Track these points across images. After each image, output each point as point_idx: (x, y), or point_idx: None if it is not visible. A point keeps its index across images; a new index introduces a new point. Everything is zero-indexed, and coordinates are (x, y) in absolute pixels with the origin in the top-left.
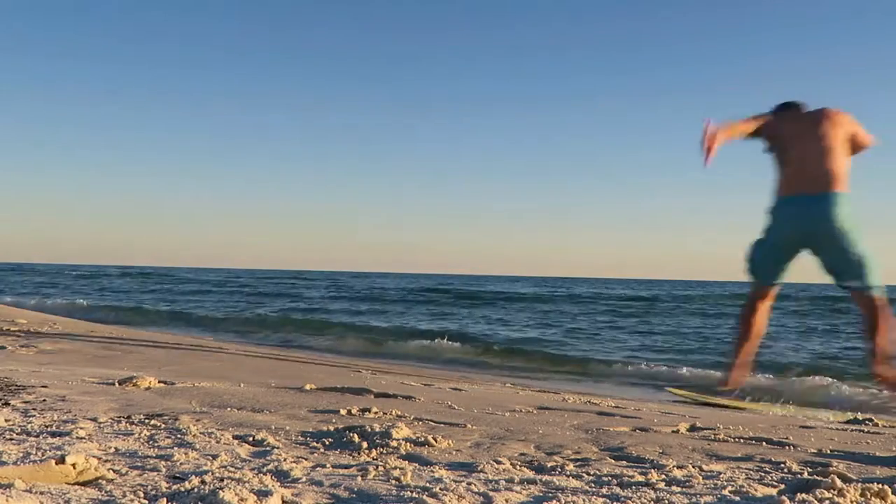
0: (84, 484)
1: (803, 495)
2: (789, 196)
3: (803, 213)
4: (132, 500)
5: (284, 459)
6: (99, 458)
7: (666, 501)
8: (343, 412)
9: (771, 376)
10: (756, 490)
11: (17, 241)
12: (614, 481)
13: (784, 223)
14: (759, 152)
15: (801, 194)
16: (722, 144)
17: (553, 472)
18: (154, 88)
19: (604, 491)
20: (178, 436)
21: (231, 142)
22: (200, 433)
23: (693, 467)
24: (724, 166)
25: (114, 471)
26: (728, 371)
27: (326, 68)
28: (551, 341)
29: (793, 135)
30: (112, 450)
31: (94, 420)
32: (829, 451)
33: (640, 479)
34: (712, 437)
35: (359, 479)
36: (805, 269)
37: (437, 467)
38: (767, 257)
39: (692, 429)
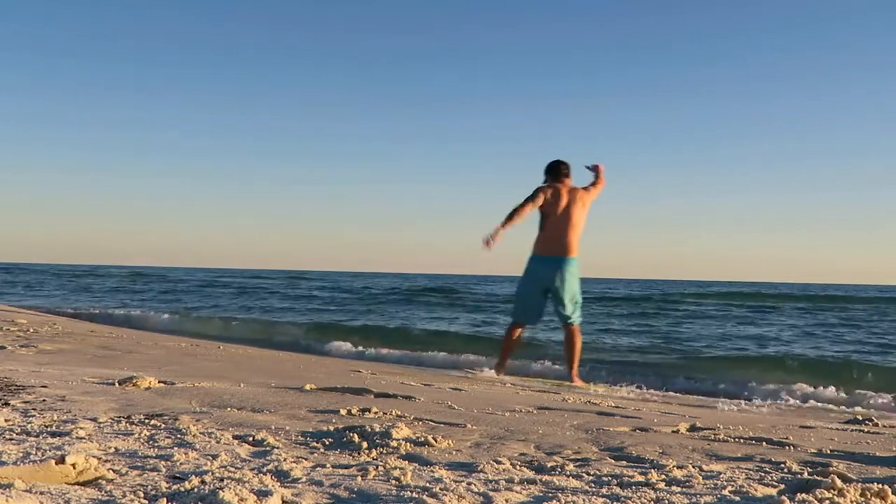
0: (84, 484)
1: (803, 495)
2: (541, 255)
3: (548, 270)
4: (132, 500)
5: (284, 459)
6: (99, 458)
7: (666, 501)
8: (343, 412)
9: None
10: (756, 490)
11: (11, 241)
12: (614, 481)
13: (534, 275)
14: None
15: (548, 255)
16: (502, 235)
17: (553, 472)
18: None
19: (604, 491)
20: (178, 436)
21: (229, 142)
22: (200, 433)
23: (693, 467)
24: (723, 168)
25: (114, 471)
26: (499, 364)
27: (325, 69)
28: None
29: (552, 210)
30: (112, 450)
31: (94, 420)
32: (829, 451)
33: (640, 479)
34: (712, 437)
35: (359, 479)
36: (804, 271)
37: (437, 467)
38: (525, 303)
39: (692, 429)
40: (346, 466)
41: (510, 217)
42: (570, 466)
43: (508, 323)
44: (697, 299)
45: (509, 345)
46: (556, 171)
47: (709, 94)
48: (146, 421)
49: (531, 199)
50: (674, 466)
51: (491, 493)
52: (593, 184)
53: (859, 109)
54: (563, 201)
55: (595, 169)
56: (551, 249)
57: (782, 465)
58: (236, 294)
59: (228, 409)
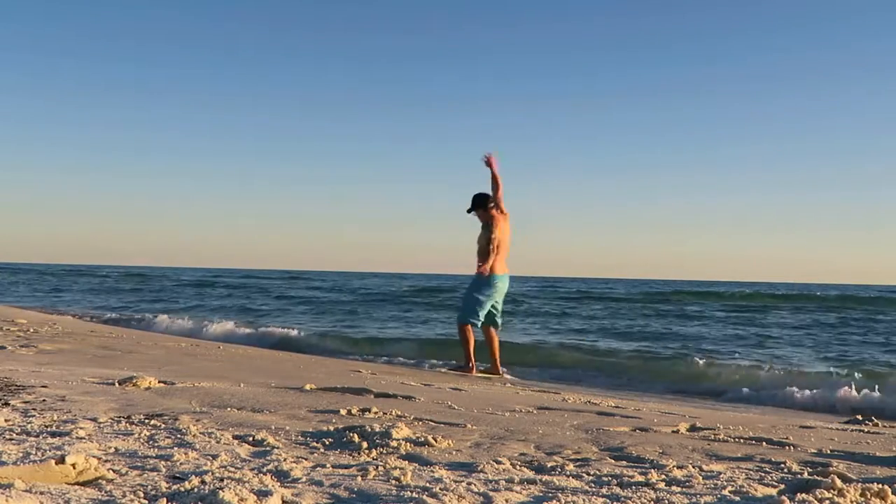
0: (84, 484)
1: (803, 495)
2: (499, 274)
3: (504, 285)
4: (132, 500)
5: (284, 459)
6: (99, 458)
7: (666, 501)
8: (343, 412)
9: None
10: (756, 490)
11: (11, 241)
12: (614, 481)
13: (494, 289)
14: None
15: (503, 274)
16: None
17: (553, 472)
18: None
19: (604, 491)
20: (178, 436)
21: (229, 142)
22: (200, 433)
23: (693, 467)
24: (723, 168)
25: (114, 471)
26: (468, 364)
27: (325, 68)
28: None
29: (503, 235)
30: (112, 450)
31: (94, 420)
32: (829, 451)
33: (640, 479)
34: (712, 437)
35: (359, 479)
36: (804, 271)
37: (437, 467)
38: (482, 311)
39: (692, 429)
40: (346, 466)
41: (488, 254)
42: (570, 466)
43: (462, 325)
44: (697, 299)
45: (471, 344)
46: (485, 203)
47: (709, 94)
48: (146, 421)
49: (496, 233)
50: (674, 466)
51: (491, 493)
52: (497, 199)
53: (859, 109)
54: (507, 226)
55: (489, 164)
56: (505, 269)
57: (782, 465)
58: (226, 295)
59: (228, 409)
